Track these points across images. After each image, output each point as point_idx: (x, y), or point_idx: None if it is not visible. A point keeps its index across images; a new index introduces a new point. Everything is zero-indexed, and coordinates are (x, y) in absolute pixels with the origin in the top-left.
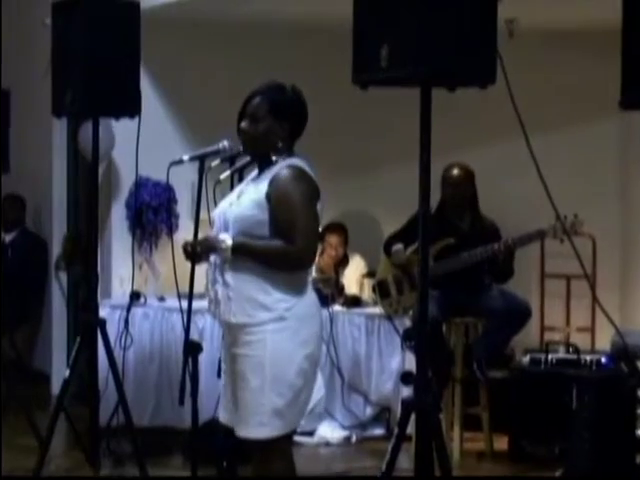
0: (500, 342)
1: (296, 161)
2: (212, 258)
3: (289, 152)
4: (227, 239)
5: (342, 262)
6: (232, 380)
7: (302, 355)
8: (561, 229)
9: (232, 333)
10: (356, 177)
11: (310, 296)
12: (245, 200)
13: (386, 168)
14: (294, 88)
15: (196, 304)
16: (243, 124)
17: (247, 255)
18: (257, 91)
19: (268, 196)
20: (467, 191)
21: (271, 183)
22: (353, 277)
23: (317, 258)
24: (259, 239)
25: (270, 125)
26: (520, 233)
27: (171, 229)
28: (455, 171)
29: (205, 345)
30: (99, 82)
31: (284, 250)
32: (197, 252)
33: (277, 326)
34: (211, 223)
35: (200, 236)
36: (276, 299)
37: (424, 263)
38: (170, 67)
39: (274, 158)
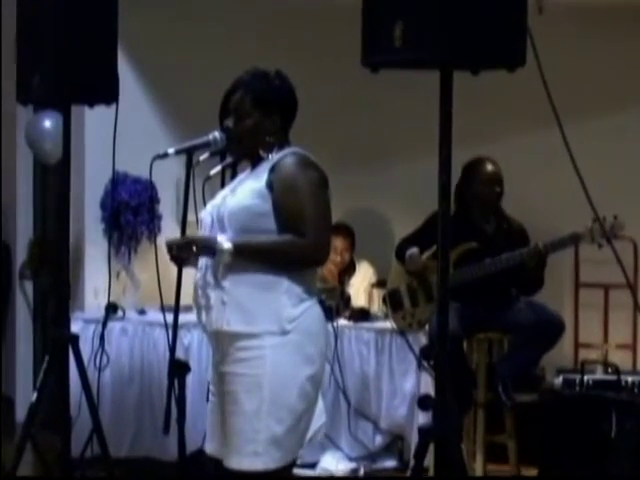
0: (529, 361)
1: (297, 149)
2: (202, 261)
3: (283, 143)
4: (225, 242)
5: (348, 269)
6: (222, 403)
7: (305, 375)
8: (600, 232)
9: (223, 347)
10: (364, 171)
11: (315, 308)
12: (242, 191)
13: (399, 161)
14: (279, 74)
15: (182, 318)
16: (228, 122)
17: (251, 256)
18: (237, 83)
19: (270, 184)
20: (500, 190)
21: (273, 170)
22: (360, 287)
23: None
24: (262, 234)
25: (258, 121)
26: (552, 237)
27: (153, 232)
28: (489, 167)
29: (192, 365)
30: (71, 64)
31: (294, 244)
32: (192, 251)
33: (278, 341)
34: (199, 225)
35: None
36: (278, 307)
37: (444, 270)
38: (152, 47)
39: (265, 155)
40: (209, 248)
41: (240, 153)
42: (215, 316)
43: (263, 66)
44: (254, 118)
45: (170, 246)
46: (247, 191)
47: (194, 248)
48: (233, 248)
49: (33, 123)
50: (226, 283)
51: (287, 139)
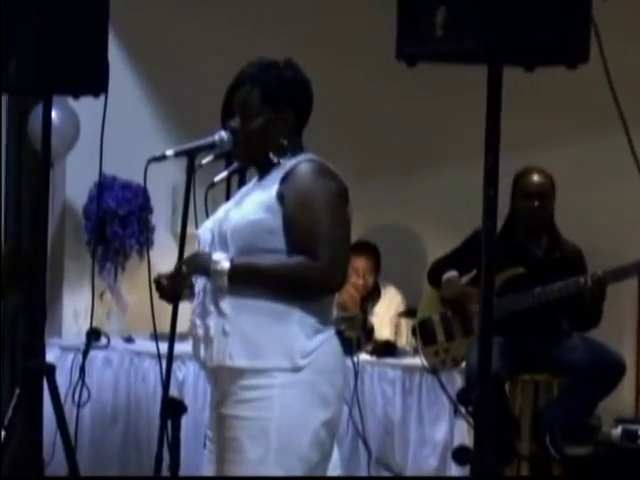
0: (582, 408)
1: (312, 156)
2: (200, 284)
3: (296, 148)
4: (223, 260)
5: (371, 295)
6: (222, 451)
7: (320, 420)
8: None
9: (225, 386)
10: (391, 180)
11: (332, 341)
12: (249, 203)
13: (433, 169)
14: (289, 63)
15: (176, 347)
16: (233, 122)
17: (252, 279)
18: (242, 76)
19: (280, 195)
20: (551, 205)
21: (284, 179)
22: (386, 315)
23: None
24: (270, 254)
25: (269, 119)
26: (613, 262)
27: (144, 246)
28: (537, 178)
29: (187, 404)
30: (53, 48)
31: (305, 267)
32: (182, 276)
33: (289, 379)
34: (197, 243)
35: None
36: (289, 339)
37: (487, 299)
38: (148, 33)
39: (276, 160)
40: (203, 267)
41: (247, 158)
42: (216, 349)
43: (273, 57)
44: (264, 116)
45: (158, 281)
46: (254, 204)
47: (184, 268)
48: (231, 269)
49: (38, 113)
50: (228, 310)
51: (300, 143)
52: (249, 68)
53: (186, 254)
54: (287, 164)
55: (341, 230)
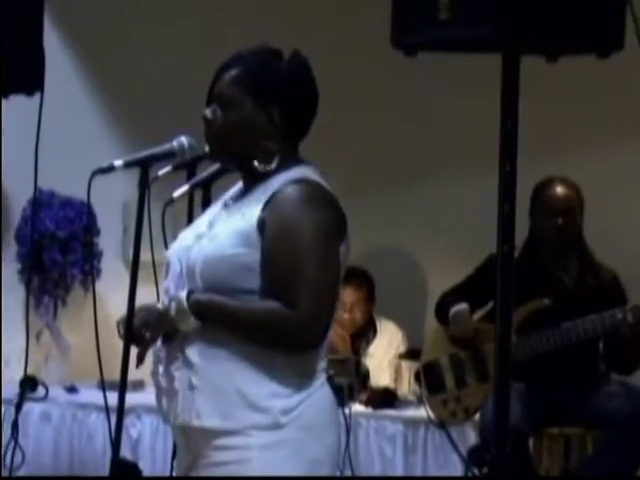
0: (621, 465)
1: (308, 172)
2: None
3: (289, 158)
4: (183, 301)
5: (365, 333)
6: None
7: None
8: None
9: (195, 445)
10: (387, 196)
11: (322, 390)
12: (223, 231)
13: (440, 181)
14: (295, 56)
15: (129, 399)
16: (207, 111)
17: (214, 322)
18: (234, 59)
19: (262, 223)
20: (578, 223)
21: (268, 205)
22: (384, 358)
23: None
24: (248, 296)
25: (249, 112)
26: None
27: (89, 276)
28: (561, 190)
29: (143, 467)
30: None
31: (277, 316)
32: (147, 344)
33: (269, 438)
34: (167, 268)
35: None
36: (269, 393)
37: (503, 337)
38: (95, 16)
39: (260, 166)
40: (172, 327)
41: (223, 158)
42: (181, 405)
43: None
44: (244, 107)
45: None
46: (231, 233)
47: (147, 335)
48: (192, 305)
49: None
50: (197, 359)
51: (295, 154)
52: (246, 51)
53: (140, 284)
54: (274, 182)
55: (327, 274)
